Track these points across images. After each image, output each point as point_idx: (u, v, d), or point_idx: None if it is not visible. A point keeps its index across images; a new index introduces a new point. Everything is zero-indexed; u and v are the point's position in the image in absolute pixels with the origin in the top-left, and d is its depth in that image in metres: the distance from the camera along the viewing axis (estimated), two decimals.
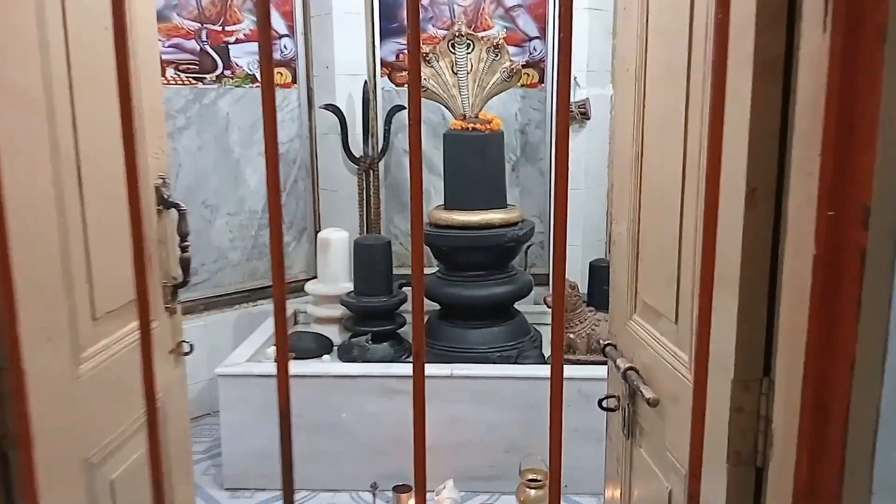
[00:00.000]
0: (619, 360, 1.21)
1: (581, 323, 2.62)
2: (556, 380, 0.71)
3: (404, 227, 3.79)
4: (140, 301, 0.68)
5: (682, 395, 1.02)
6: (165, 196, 1.26)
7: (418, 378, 0.73)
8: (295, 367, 2.72)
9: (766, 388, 0.88)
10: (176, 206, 1.26)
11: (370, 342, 2.65)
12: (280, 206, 0.67)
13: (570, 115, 3.37)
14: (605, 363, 2.67)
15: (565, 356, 2.69)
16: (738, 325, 0.86)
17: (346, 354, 2.79)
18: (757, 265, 0.85)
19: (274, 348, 2.70)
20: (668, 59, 1.04)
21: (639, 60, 1.14)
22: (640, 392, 1.10)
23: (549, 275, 3.60)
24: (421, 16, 3.60)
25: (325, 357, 2.78)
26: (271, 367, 2.71)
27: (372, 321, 2.84)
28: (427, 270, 3.68)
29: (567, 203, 0.67)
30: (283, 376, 0.71)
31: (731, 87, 0.73)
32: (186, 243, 1.29)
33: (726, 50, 0.64)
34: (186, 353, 1.34)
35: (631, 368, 1.16)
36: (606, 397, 1.29)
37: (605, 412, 1.32)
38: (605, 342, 1.29)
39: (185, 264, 1.29)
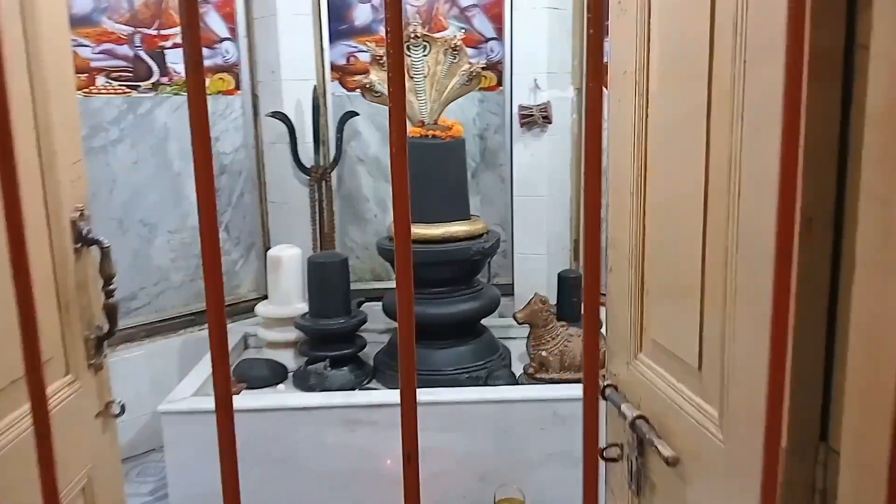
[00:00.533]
0: (623, 407, 1.05)
1: (553, 339, 2.48)
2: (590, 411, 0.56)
3: (360, 239, 3.59)
4: (31, 379, 0.49)
5: (708, 455, 0.87)
6: (84, 232, 1.05)
7: (408, 416, 0.57)
8: (248, 399, 2.51)
9: (822, 455, 0.73)
10: (97, 242, 1.05)
11: (328, 368, 2.45)
12: (216, 225, 0.50)
13: (533, 119, 3.25)
14: (580, 382, 2.53)
15: (536, 375, 2.55)
16: (791, 379, 0.71)
17: (303, 382, 2.58)
18: (813, 311, 0.70)
19: None
20: (680, 59, 0.89)
21: (639, 62, 0.99)
22: (655, 447, 0.95)
23: (512, 285, 3.46)
24: (372, 17, 3.42)
25: (280, 386, 2.57)
26: None
27: (329, 345, 2.64)
28: (384, 285, 3.50)
29: (599, 210, 0.54)
30: (223, 418, 0.53)
31: (769, 87, 0.59)
32: (112, 286, 1.08)
33: (802, 43, 0.49)
34: (117, 415, 1.14)
35: (641, 417, 1.00)
36: (608, 446, 1.13)
37: (604, 458, 1.16)
38: (606, 384, 1.13)
39: (110, 311, 1.09)
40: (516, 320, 2.51)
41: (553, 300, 3.18)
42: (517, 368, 2.68)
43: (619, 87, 1.07)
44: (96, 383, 1.11)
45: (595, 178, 0.52)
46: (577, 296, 2.79)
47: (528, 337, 2.56)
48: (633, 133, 1.00)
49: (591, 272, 0.53)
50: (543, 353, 2.46)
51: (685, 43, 0.87)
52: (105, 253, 1.05)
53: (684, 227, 0.89)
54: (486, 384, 2.49)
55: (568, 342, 2.47)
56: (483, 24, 3.43)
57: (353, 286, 2.91)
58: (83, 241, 1.06)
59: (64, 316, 1.03)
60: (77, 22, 2.81)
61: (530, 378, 2.50)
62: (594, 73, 0.51)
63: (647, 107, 0.98)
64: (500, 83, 3.47)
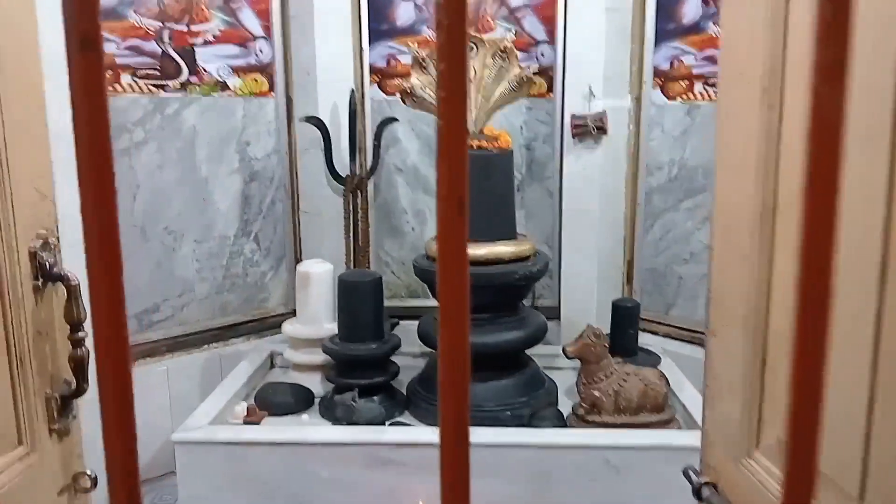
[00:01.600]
0: None
1: (607, 377, 2.21)
2: None
3: (396, 253, 3.37)
4: None
5: None
6: (48, 265, 0.84)
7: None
8: (268, 430, 2.29)
9: None
10: (62, 279, 0.84)
11: (357, 400, 2.23)
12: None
13: (586, 129, 2.99)
14: (636, 426, 2.26)
15: (587, 417, 2.28)
16: None
17: (329, 412, 2.36)
18: None
19: (244, 405, 2.27)
20: (842, 59, 0.63)
21: (768, 61, 0.73)
22: None
23: (559, 308, 3.20)
24: (415, 17, 3.20)
25: (304, 416, 2.35)
26: (238, 432, 2.28)
27: (359, 371, 2.41)
28: (421, 303, 3.27)
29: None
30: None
31: None
32: (81, 333, 0.87)
33: None
34: (89, 489, 0.92)
35: None
36: None
37: None
38: (701, 480, 0.87)
39: (78, 365, 0.87)
40: (566, 355, 2.25)
41: (603, 328, 2.92)
42: (565, 406, 2.42)
43: (731, 94, 0.82)
44: (60, 452, 0.89)
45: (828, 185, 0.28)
46: (633, 327, 2.52)
47: (578, 373, 2.30)
48: (757, 155, 0.74)
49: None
50: (596, 394, 2.20)
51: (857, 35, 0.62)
52: (72, 291, 0.84)
53: (844, 290, 0.64)
54: (530, 424, 2.24)
55: (624, 381, 2.20)
56: (534, 26, 3.18)
57: (387, 302, 2.68)
58: (47, 276, 0.84)
59: (17, 372, 0.82)
60: (102, 15, 2.64)
61: (580, 420, 2.24)
62: (831, 68, 0.26)
63: (779, 122, 0.72)
64: (550, 89, 3.22)
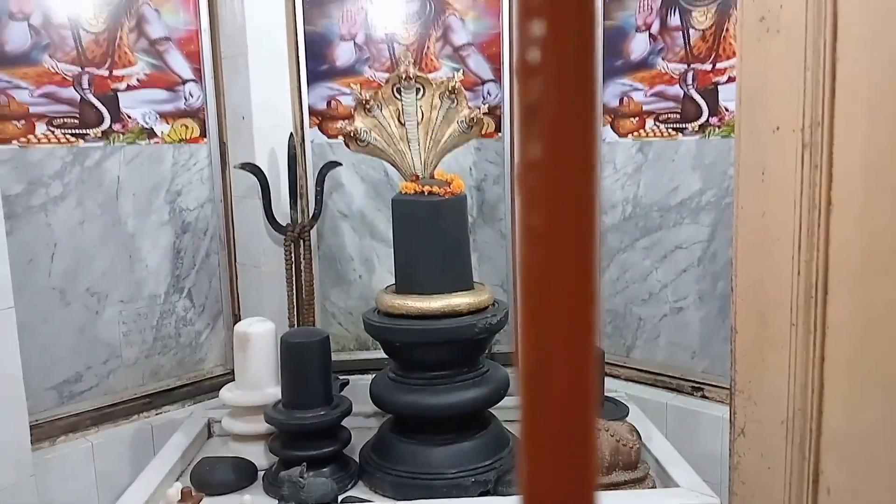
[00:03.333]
0: None
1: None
2: None
3: (343, 303, 3.18)
4: None
5: None
6: None
7: None
8: None
9: None
10: None
11: (304, 475, 2.01)
12: None
13: None
14: (610, 487, 2.11)
15: None
16: None
17: (274, 489, 2.14)
18: None
19: (178, 487, 2.03)
20: None
21: (810, 111, 0.60)
22: None
23: (517, 353, 3.04)
24: (355, 57, 3.07)
25: (247, 497, 2.12)
26: None
27: (307, 442, 2.20)
28: (371, 355, 3.07)
29: None
30: None
31: None
32: None
33: None
34: None
35: None
36: None
37: None
38: None
39: None
40: None
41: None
42: None
43: (756, 150, 0.68)
44: None
45: None
46: (599, 376, 2.38)
47: None
48: (797, 225, 0.61)
49: None
50: None
51: None
52: None
53: None
54: (496, 492, 2.06)
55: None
56: (479, 65, 3.08)
57: (334, 356, 2.48)
58: None
59: None
60: (13, 61, 2.41)
61: None
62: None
63: (829, 183, 0.58)
64: (498, 129, 3.12)
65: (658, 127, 2.86)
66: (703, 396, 2.79)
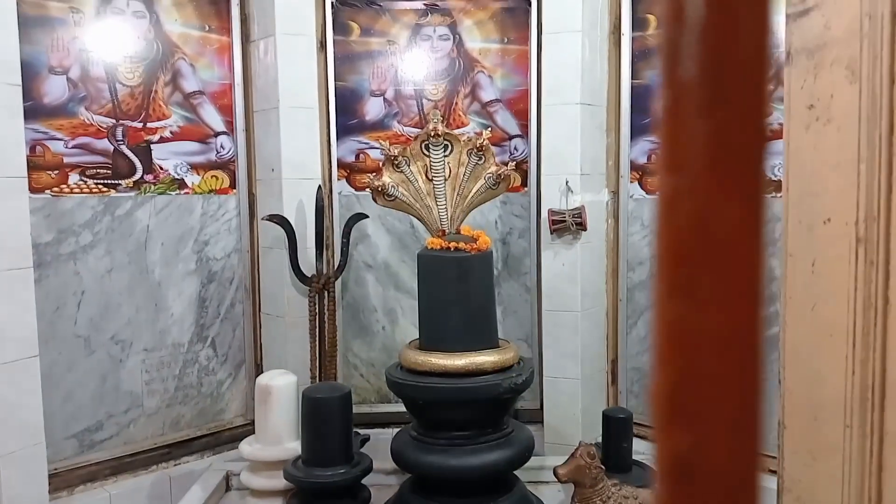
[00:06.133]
0: None
1: (604, 502, 1.99)
2: None
3: (365, 355, 3.15)
4: None
5: None
6: None
7: None
8: None
9: None
10: None
11: None
12: None
13: (565, 224, 2.86)
14: None
15: None
16: None
17: None
18: None
19: None
20: None
21: (866, 206, 0.57)
22: None
23: (541, 411, 2.99)
24: (384, 112, 3.10)
25: None
26: None
27: (326, 500, 2.16)
28: (392, 408, 3.02)
29: None
30: None
31: None
32: None
33: None
34: None
35: None
36: None
37: None
38: None
39: None
40: (558, 478, 2.03)
41: (586, 437, 2.72)
42: None
43: (805, 244, 0.66)
44: None
45: None
46: (627, 440, 2.32)
47: (571, 497, 2.08)
48: (851, 323, 0.58)
49: None
50: None
51: None
52: None
53: None
54: None
55: None
56: (506, 121, 3.10)
57: (355, 409, 2.44)
58: None
59: None
60: (50, 113, 2.47)
61: None
62: None
63: (886, 282, 0.56)
64: (524, 184, 3.11)
65: None
66: None
